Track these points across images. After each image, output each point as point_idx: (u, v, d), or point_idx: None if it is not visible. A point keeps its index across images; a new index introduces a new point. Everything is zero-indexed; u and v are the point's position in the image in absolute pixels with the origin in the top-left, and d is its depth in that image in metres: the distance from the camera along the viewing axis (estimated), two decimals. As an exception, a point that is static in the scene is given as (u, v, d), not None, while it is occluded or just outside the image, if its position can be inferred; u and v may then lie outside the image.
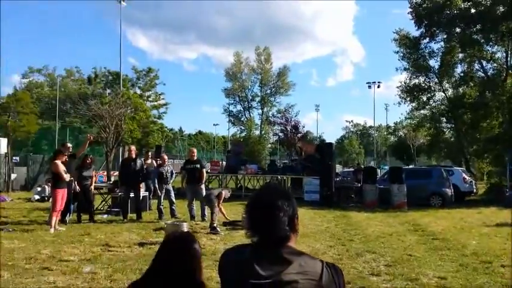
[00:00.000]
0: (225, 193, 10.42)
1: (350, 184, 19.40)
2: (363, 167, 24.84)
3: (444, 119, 28.59)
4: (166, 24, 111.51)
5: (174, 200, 12.03)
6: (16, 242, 7.75)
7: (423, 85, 27.63)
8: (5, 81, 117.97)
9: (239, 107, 63.68)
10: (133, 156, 11.85)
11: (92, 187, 11.29)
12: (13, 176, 20.44)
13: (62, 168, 9.51)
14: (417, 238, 9.50)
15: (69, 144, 11.31)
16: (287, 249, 1.64)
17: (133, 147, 12.61)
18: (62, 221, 10.11)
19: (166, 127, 48.66)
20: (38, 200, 15.59)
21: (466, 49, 24.27)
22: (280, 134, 43.56)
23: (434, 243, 8.79)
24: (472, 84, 25.95)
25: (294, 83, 64.26)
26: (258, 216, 1.70)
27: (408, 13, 26.21)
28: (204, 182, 11.87)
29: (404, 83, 28.11)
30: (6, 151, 20.53)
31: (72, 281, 5.41)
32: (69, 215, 10.58)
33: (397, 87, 28.80)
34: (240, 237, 8.87)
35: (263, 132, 58.76)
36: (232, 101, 63.24)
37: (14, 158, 21.10)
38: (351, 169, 32.80)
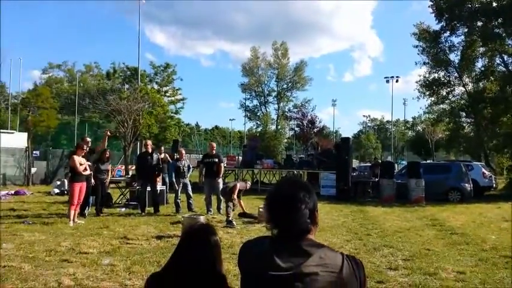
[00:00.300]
0: (241, 185, 10.49)
1: (367, 179, 19.28)
2: (380, 161, 24.64)
3: (464, 114, 28.16)
4: (184, 21, 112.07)
5: (191, 193, 12.11)
6: (36, 235, 7.88)
7: (443, 79, 27.25)
8: (25, 77, 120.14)
9: (255, 102, 63.83)
10: (150, 150, 11.96)
11: (108, 180, 11.46)
12: (33, 170, 20.80)
13: (78, 162, 9.66)
14: (435, 233, 9.40)
15: (88, 139, 11.44)
16: (307, 242, 1.63)
17: (149, 142, 12.71)
18: (81, 214, 10.27)
19: (183, 122, 48.92)
20: (57, 194, 15.84)
21: (488, 43, 23.79)
22: (297, 128, 43.47)
23: (453, 238, 8.69)
24: (492, 79, 25.46)
25: (311, 77, 64.10)
26: (279, 209, 1.69)
27: (429, 6, 25.88)
28: (221, 176, 11.94)
29: (424, 77, 27.77)
30: (26, 145, 20.91)
31: (91, 273, 5.49)
32: (88, 208, 10.74)
33: (416, 81, 28.48)
34: (256, 231, 8.90)
35: (279, 127, 58.73)
36: (248, 96, 63.41)
37: (34, 152, 21.47)
38: (368, 164, 32.59)
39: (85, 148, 10.15)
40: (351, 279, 1.60)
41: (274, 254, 1.61)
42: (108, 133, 11.93)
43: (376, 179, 18.20)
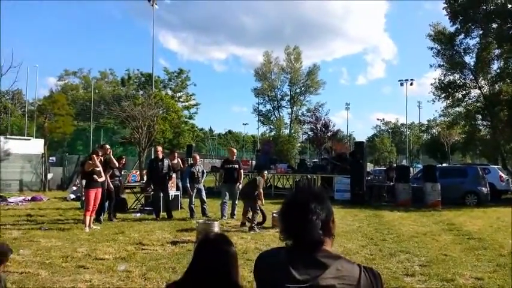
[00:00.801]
0: (261, 184, 10.49)
1: (382, 183, 19.12)
2: (394, 165, 24.43)
3: (480, 117, 27.79)
4: (196, 26, 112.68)
5: (205, 199, 12.14)
6: (53, 241, 7.96)
7: (458, 82, 26.93)
8: (41, 84, 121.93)
9: (268, 107, 63.86)
10: (160, 156, 12.04)
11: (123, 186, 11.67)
12: (49, 175, 21.05)
13: (94, 167, 9.77)
14: (452, 238, 9.28)
15: (107, 146, 11.52)
16: (323, 253, 1.61)
17: (159, 148, 12.80)
18: (97, 219, 10.36)
19: (196, 127, 49.21)
20: (73, 199, 15.99)
21: (503, 45, 23.50)
22: (310, 132, 43.37)
23: (470, 243, 8.58)
24: (508, 81, 25.11)
25: (324, 81, 63.89)
26: (291, 219, 1.68)
27: (443, 9, 25.68)
28: (241, 182, 12.01)
29: (439, 79, 27.49)
30: (43, 152, 21.19)
31: (107, 279, 5.52)
32: (103, 214, 10.83)
33: (431, 84, 28.19)
34: (271, 237, 8.89)
35: (292, 131, 58.63)
36: (261, 101, 63.47)
37: (50, 158, 21.75)
38: (383, 168, 32.32)
39: (100, 154, 10.25)
40: None
41: (290, 265, 1.59)
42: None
43: (391, 183, 18.06)
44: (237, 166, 11.90)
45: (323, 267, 1.57)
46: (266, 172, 11.35)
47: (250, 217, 9.86)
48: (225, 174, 12.01)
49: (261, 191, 10.37)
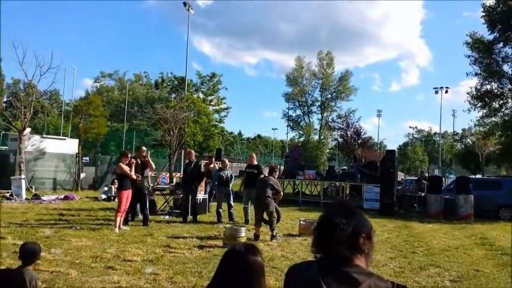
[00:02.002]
0: (275, 183, 9.60)
1: (413, 193, 18.74)
2: (426, 175, 23.90)
3: (517, 128, 26.90)
4: (230, 31, 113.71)
5: (232, 203, 12.19)
6: (83, 240, 8.13)
7: (495, 91, 26.19)
8: (78, 85, 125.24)
9: (298, 112, 63.67)
10: (192, 159, 12.15)
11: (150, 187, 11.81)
12: (82, 175, 21.56)
13: (127, 169, 9.94)
14: (485, 252, 9.00)
15: (144, 148, 11.67)
16: (355, 269, 1.60)
17: (193, 152, 12.93)
18: (133, 220, 10.54)
19: (226, 130, 49.51)
20: (104, 200, 16.33)
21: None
22: (340, 139, 42.94)
23: (504, 259, 8.30)
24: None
25: (356, 87, 63.23)
26: (318, 233, 1.70)
27: (481, 17, 25.06)
28: None
29: (475, 88, 26.81)
30: (77, 151, 21.73)
31: (135, 282, 5.60)
32: (135, 216, 11.04)
33: (467, 93, 27.53)
34: (297, 244, 8.82)
35: (322, 137, 58.22)
36: (292, 106, 63.29)
37: (84, 158, 22.27)
38: (414, 177, 31.67)
39: (129, 156, 10.36)
40: None
41: (322, 281, 1.59)
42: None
43: (422, 194, 17.67)
44: (256, 171, 11.88)
45: (355, 284, 1.55)
46: (276, 168, 10.76)
47: (273, 226, 9.29)
48: (246, 178, 12.08)
49: (281, 191, 9.65)
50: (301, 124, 63.00)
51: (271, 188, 9.41)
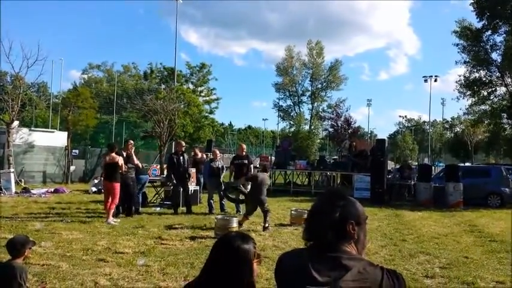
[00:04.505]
0: (264, 178, 9.66)
1: (403, 181, 18.86)
2: (409, 163, 24.00)
3: (505, 115, 27.16)
4: (218, 21, 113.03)
5: (223, 194, 12.18)
6: (74, 233, 8.10)
7: (484, 79, 26.39)
8: (65, 77, 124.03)
9: (289, 102, 63.43)
10: (182, 150, 12.10)
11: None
12: (72, 168, 21.41)
13: (119, 159, 9.89)
14: (474, 240, 9.12)
15: (131, 142, 11.58)
16: (346, 255, 1.60)
17: (183, 142, 12.87)
18: (128, 214, 10.54)
19: (217, 121, 49.38)
20: (95, 192, 16.23)
21: (531, 42, 22.93)
22: (331, 129, 43.02)
23: (492, 246, 8.41)
24: (536, 79, 24.52)
25: (346, 77, 63.16)
26: (313, 220, 1.71)
27: (470, 4, 25.14)
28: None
29: (464, 76, 26.97)
30: (66, 144, 21.55)
31: (127, 273, 5.59)
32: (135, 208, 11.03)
33: (456, 81, 27.76)
34: (289, 234, 8.87)
35: (312, 127, 58.25)
36: (282, 96, 63.11)
37: (73, 150, 22.10)
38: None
39: (116, 149, 10.27)
40: None
41: (311, 267, 1.60)
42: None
43: (412, 182, 17.79)
44: (246, 161, 11.85)
45: (345, 269, 1.56)
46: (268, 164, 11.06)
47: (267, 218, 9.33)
48: (235, 170, 11.98)
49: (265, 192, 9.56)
50: (291, 114, 62.86)
51: (266, 187, 9.57)
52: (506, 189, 16.44)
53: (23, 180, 18.56)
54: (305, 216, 1.80)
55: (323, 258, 1.60)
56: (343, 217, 1.65)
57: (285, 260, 1.78)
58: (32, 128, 24.31)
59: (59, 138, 22.44)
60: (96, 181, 17.41)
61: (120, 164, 9.85)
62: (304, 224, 1.76)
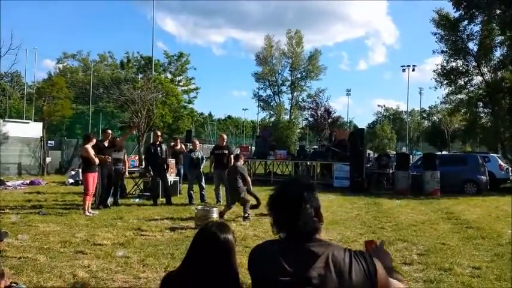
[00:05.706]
0: (242, 169, 9.91)
1: (382, 170, 19.09)
2: (392, 152, 24.32)
3: (481, 104, 27.64)
4: (195, 9, 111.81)
5: (204, 185, 12.12)
6: (51, 226, 7.95)
7: (461, 68, 26.75)
8: (40, 66, 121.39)
9: (269, 92, 63.35)
10: (158, 141, 11.98)
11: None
12: (48, 159, 21.02)
13: (92, 152, 9.70)
14: (451, 226, 9.28)
15: (109, 131, 11.39)
16: (315, 242, 1.62)
17: (159, 133, 12.74)
18: (105, 205, 10.39)
19: (196, 112, 49.06)
20: (72, 184, 15.99)
21: (506, 31, 23.26)
22: (311, 119, 43.23)
23: (468, 232, 8.57)
24: (511, 68, 24.93)
25: (325, 66, 63.31)
26: (284, 211, 1.68)
27: (446, -6, 25.31)
28: None
29: (441, 66, 27.29)
30: (41, 135, 21.11)
31: (106, 265, 5.51)
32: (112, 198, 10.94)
33: (434, 70, 28.03)
34: (269, 224, 8.85)
35: (293, 117, 58.41)
36: (262, 86, 62.99)
37: (48, 142, 21.68)
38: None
39: (93, 139, 10.09)
40: (360, 277, 1.57)
41: (282, 258, 1.61)
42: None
43: (389, 170, 18.01)
44: (226, 152, 11.80)
45: (314, 257, 1.57)
46: (241, 154, 11.09)
47: (246, 209, 9.46)
48: (215, 160, 11.88)
49: (248, 178, 9.81)
50: (271, 104, 62.92)
51: (240, 176, 9.56)
52: (482, 177, 16.80)
53: (-3, 172, 18.15)
54: (271, 206, 1.75)
55: (294, 248, 1.61)
56: (314, 207, 1.67)
57: (256, 253, 1.79)
58: (6, 119, 23.70)
59: (34, 129, 21.93)
60: (73, 172, 17.13)
61: (90, 157, 9.66)
62: (275, 215, 1.72)
